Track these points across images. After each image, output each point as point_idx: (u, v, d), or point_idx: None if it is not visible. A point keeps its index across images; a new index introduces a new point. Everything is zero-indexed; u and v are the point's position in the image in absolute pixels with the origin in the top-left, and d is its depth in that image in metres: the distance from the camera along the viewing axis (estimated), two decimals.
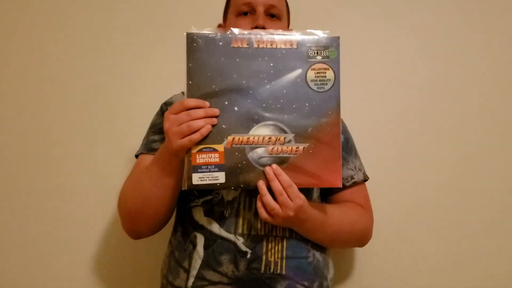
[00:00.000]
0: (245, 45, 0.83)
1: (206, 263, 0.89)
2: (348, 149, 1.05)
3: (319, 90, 0.84)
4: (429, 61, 1.29)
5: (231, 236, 0.90)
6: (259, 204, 0.83)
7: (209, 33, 0.82)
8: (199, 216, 0.94)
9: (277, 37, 0.84)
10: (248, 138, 0.82)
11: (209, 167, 0.81)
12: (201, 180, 0.81)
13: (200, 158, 0.81)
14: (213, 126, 0.80)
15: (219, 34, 0.82)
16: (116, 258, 1.27)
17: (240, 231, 0.90)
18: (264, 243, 0.89)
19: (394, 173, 1.27)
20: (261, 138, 0.83)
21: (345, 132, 1.08)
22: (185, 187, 0.82)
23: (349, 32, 1.30)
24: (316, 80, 0.84)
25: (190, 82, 0.82)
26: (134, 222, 0.95)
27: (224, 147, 0.82)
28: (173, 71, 1.26)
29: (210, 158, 0.81)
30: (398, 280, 1.23)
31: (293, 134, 0.83)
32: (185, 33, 0.82)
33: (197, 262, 0.90)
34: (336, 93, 0.85)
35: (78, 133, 1.30)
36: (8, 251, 1.27)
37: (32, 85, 1.32)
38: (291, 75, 0.84)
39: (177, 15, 1.33)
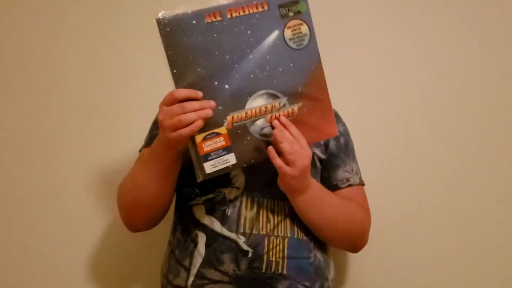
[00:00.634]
0: (218, 18, 0.78)
1: (207, 262, 0.89)
2: (346, 152, 1.03)
3: (298, 47, 0.84)
4: (429, 61, 1.25)
5: (232, 235, 0.89)
6: (274, 156, 0.81)
7: (179, 14, 0.76)
8: (201, 214, 0.92)
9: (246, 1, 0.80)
10: (246, 113, 0.81)
11: (217, 152, 0.80)
12: (213, 167, 0.80)
13: (207, 146, 0.79)
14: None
15: (189, 11, 0.77)
16: (115, 258, 1.26)
17: (241, 230, 0.89)
18: (266, 243, 0.89)
19: (394, 173, 1.24)
20: (258, 109, 0.82)
21: (346, 135, 1.05)
22: (200, 178, 0.80)
23: (349, 32, 1.26)
24: (294, 38, 0.84)
25: (175, 71, 0.77)
26: (130, 213, 0.94)
27: (227, 129, 0.80)
28: None
29: (216, 143, 0.80)
30: (398, 281, 1.22)
31: (286, 97, 0.84)
32: (154, 20, 0.75)
33: (198, 260, 0.89)
34: (314, 46, 0.86)
35: (78, 133, 1.29)
36: (8, 251, 1.27)
37: (32, 85, 1.31)
38: (269, 38, 0.82)
39: None
